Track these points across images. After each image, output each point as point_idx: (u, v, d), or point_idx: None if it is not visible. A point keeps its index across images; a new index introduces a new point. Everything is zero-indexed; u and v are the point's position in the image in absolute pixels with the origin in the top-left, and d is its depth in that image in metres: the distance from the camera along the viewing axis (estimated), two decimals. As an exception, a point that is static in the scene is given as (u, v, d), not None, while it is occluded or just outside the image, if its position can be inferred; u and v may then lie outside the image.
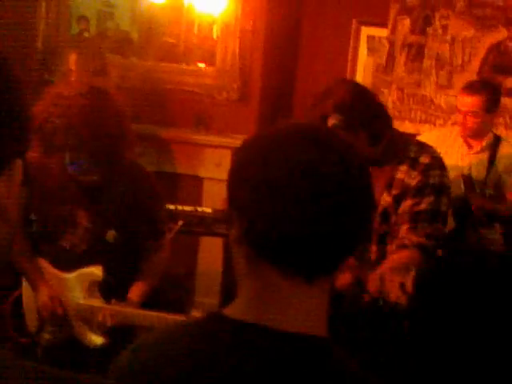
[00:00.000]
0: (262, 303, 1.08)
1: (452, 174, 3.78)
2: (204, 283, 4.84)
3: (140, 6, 6.51)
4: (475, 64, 4.81)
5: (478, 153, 3.85)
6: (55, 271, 2.71)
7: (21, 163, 0.85)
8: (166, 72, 5.08)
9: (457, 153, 3.87)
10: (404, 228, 2.53)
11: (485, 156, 3.83)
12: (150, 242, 2.81)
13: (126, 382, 1.10)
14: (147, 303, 2.85)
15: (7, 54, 0.86)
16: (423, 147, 2.65)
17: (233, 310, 1.11)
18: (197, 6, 5.62)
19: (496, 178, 3.77)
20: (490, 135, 3.88)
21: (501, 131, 4.36)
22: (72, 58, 4.44)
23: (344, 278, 2.35)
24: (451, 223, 3.76)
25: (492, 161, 3.81)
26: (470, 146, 3.88)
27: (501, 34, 4.75)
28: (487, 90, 3.81)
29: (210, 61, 5.39)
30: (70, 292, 2.69)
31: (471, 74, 4.80)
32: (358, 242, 1.13)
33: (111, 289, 2.68)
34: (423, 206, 2.53)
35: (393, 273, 2.23)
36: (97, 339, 2.68)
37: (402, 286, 2.15)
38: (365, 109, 2.44)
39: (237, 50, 4.77)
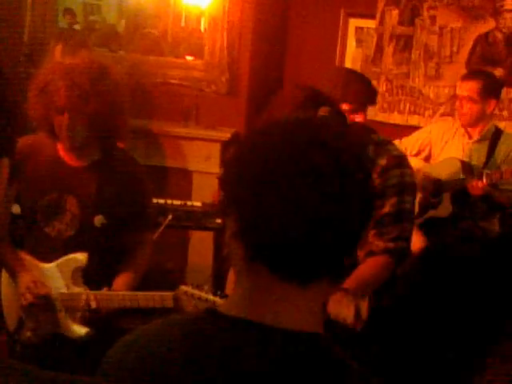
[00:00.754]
0: (257, 300, 1.07)
1: (451, 164, 3.83)
2: (195, 277, 4.82)
3: (126, -2, 6.48)
4: (463, 55, 4.82)
5: (477, 141, 3.89)
6: (37, 262, 2.68)
7: (7, 162, 0.83)
8: (154, 65, 5.05)
9: (458, 142, 3.93)
10: (371, 233, 2.47)
11: (484, 145, 3.86)
12: (135, 234, 2.79)
13: (119, 378, 1.08)
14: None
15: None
16: (381, 146, 2.55)
17: (228, 307, 1.10)
18: (184, -2, 5.59)
19: (495, 168, 3.79)
20: (491, 126, 3.91)
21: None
22: (57, 49, 4.39)
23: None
24: (449, 208, 3.78)
25: (491, 151, 3.84)
26: (470, 136, 3.93)
27: (489, 24, 4.75)
28: (484, 76, 3.88)
29: (197, 54, 5.36)
30: (53, 282, 2.65)
31: (460, 65, 4.80)
32: (355, 245, 1.12)
33: (95, 276, 2.65)
34: (386, 208, 2.47)
35: (352, 295, 2.18)
36: (81, 329, 2.65)
37: (358, 311, 2.12)
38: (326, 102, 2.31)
39: (225, 43, 4.74)
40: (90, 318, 2.63)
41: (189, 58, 5.45)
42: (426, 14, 4.83)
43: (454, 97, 4.10)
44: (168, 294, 2.54)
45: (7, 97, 0.85)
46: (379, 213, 2.46)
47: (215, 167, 4.76)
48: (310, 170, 1.01)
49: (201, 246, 4.81)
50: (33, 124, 2.67)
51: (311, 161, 1.02)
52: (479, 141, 3.89)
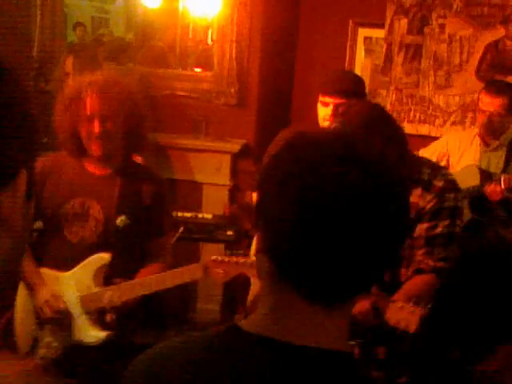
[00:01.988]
0: (281, 318, 1.05)
1: (470, 171, 3.81)
2: (206, 289, 4.81)
3: (134, 11, 6.50)
4: (473, 63, 4.80)
5: (494, 149, 3.86)
6: (57, 274, 2.70)
7: (25, 174, 0.82)
8: (162, 77, 5.05)
9: (475, 151, 3.89)
10: (420, 252, 2.52)
11: (502, 153, 3.84)
12: (155, 238, 2.82)
13: None
14: (149, 311, 2.84)
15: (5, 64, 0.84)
16: (436, 169, 2.61)
17: (251, 324, 1.08)
18: (191, 10, 5.61)
19: None
20: (509, 133, 3.88)
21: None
22: (69, 61, 4.42)
23: (361, 306, 2.31)
24: (467, 214, 3.76)
25: (509, 157, 3.82)
26: (487, 144, 3.89)
27: (498, 32, 4.74)
28: (510, 90, 3.81)
29: (206, 65, 5.37)
30: (73, 288, 2.67)
31: (469, 73, 4.79)
32: (385, 270, 1.09)
33: (116, 278, 2.68)
34: (439, 229, 2.51)
35: (411, 303, 2.23)
36: (100, 333, 2.66)
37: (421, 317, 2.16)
38: (385, 128, 2.38)
39: (234, 55, 4.73)
40: (109, 321, 2.64)
41: (197, 69, 5.46)
42: (435, 22, 4.82)
43: (465, 105, 4.05)
44: (197, 265, 2.58)
45: (26, 111, 0.85)
46: (431, 233, 2.51)
47: (225, 179, 4.75)
48: (343, 189, 0.98)
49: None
50: (53, 141, 2.83)
51: (346, 179, 0.98)
52: (497, 148, 3.86)
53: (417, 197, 2.51)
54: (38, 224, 2.73)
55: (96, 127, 2.63)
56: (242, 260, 2.49)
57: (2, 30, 3.62)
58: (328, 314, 1.04)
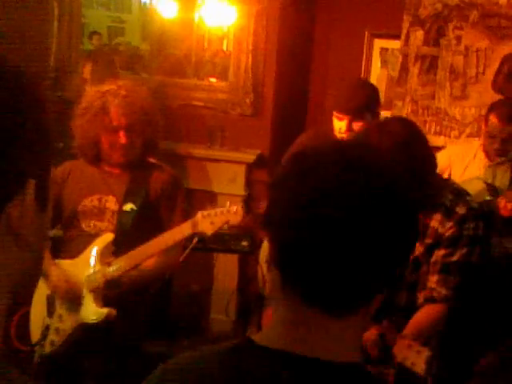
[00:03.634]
0: (293, 331, 1.05)
1: (475, 185, 3.78)
2: (219, 300, 4.80)
3: (150, 21, 6.52)
4: (489, 75, 4.78)
5: (500, 163, 3.83)
6: (68, 261, 2.84)
7: (33, 184, 0.81)
8: (178, 87, 5.06)
9: (479, 165, 3.86)
10: (434, 279, 2.50)
11: (507, 167, 3.80)
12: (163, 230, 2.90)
13: None
14: (160, 320, 2.89)
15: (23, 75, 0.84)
16: (460, 196, 2.58)
17: (265, 337, 1.08)
18: (207, 20, 5.62)
19: None
20: None
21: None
22: (87, 68, 4.44)
23: (369, 334, 2.32)
24: None
25: None
26: (491, 159, 3.85)
27: (515, 44, 4.72)
28: None
29: (221, 75, 5.38)
30: (80, 270, 2.79)
31: (486, 85, 4.77)
32: (392, 279, 1.09)
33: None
34: (456, 257, 2.48)
35: (419, 342, 2.23)
36: (102, 311, 2.74)
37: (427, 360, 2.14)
38: (421, 150, 2.40)
39: (249, 65, 4.74)
40: (113, 296, 2.75)
41: (212, 79, 5.46)
42: (451, 34, 4.80)
43: (481, 117, 4.01)
44: (186, 223, 2.71)
45: (41, 123, 0.84)
46: (447, 260, 2.49)
47: (240, 189, 4.75)
48: (349, 199, 0.99)
49: (226, 268, 4.79)
50: (68, 147, 3.01)
51: (352, 189, 0.99)
52: (502, 162, 3.83)
53: (437, 222, 2.50)
54: (56, 231, 2.85)
55: (122, 138, 2.79)
56: (226, 209, 2.62)
57: (20, 38, 3.64)
58: (339, 325, 1.04)
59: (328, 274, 1.00)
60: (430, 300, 2.49)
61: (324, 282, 1.00)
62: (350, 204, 0.98)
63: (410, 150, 2.29)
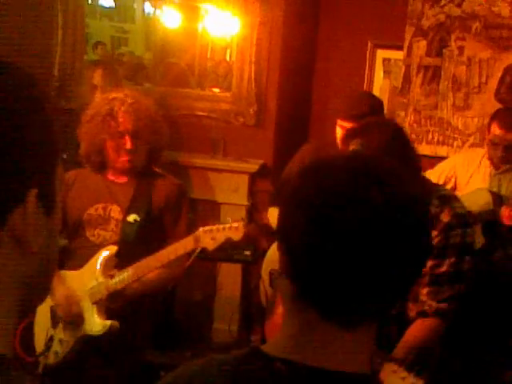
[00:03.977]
0: (304, 341, 1.04)
1: (481, 196, 3.77)
2: (223, 309, 4.80)
3: (154, 31, 6.54)
4: (492, 85, 4.79)
5: (505, 171, 3.82)
6: (73, 272, 2.83)
7: (35, 191, 0.81)
8: (181, 97, 5.07)
9: (484, 173, 3.85)
10: (424, 291, 2.43)
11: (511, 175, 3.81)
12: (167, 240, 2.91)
13: None
14: (164, 331, 2.88)
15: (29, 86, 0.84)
16: (446, 202, 2.48)
17: (273, 347, 1.07)
18: (211, 30, 5.63)
19: None
20: None
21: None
22: (97, 74, 4.44)
23: None
24: (481, 239, 3.73)
25: None
26: (497, 167, 3.85)
27: (517, 54, 4.73)
28: None
29: (224, 86, 5.39)
30: (83, 283, 2.79)
31: (488, 95, 4.78)
32: (406, 291, 1.09)
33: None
34: (444, 268, 2.41)
35: (404, 367, 2.13)
36: (105, 322, 2.74)
37: None
38: (403, 151, 2.32)
39: (252, 75, 4.74)
40: (116, 308, 2.75)
41: (215, 90, 5.47)
42: (453, 44, 4.81)
43: (483, 127, 4.02)
44: (188, 237, 2.70)
45: (45, 134, 0.84)
46: (436, 271, 2.42)
47: (243, 199, 4.75)
48: (363, 211, 0.99)
49: (229, 277, 4.79)
50: (72, 157, 3.03)
51: (366, 201, 0.99)
52: (507, 170, 3.84)
53: None
54: (61, 241, 2.82)
55: (127, 143, 2.83)
56: (228, 226, 2.62)
57: (24, 48, 3.66)
58: (351, 336, 1.04)
59: (343, 289, 0.99)
60: (422, 314, 2.43)
61: (339, 297, 1.00)
62: (364, 217, 0.98)
63: (396, 153, 2.20)
